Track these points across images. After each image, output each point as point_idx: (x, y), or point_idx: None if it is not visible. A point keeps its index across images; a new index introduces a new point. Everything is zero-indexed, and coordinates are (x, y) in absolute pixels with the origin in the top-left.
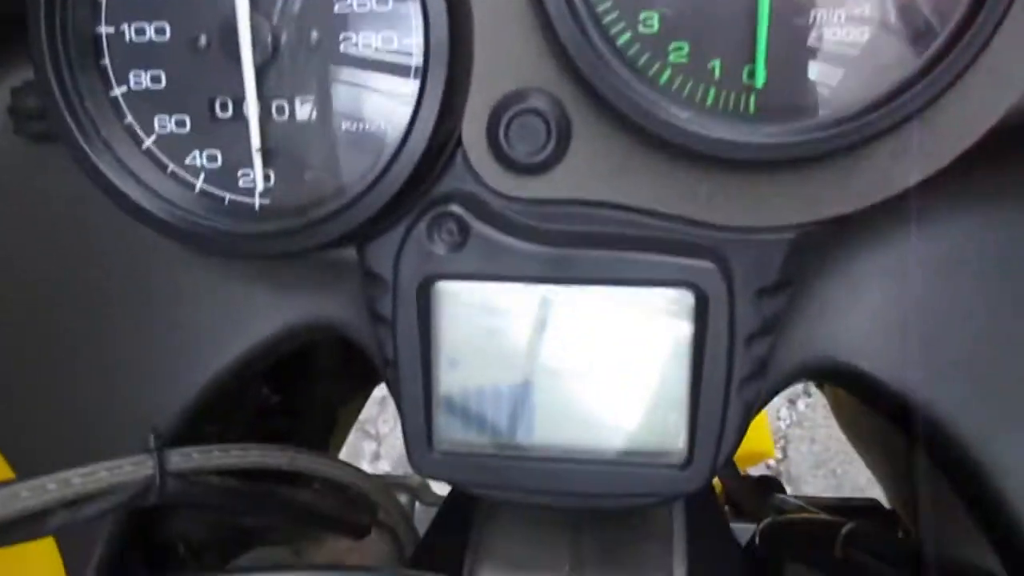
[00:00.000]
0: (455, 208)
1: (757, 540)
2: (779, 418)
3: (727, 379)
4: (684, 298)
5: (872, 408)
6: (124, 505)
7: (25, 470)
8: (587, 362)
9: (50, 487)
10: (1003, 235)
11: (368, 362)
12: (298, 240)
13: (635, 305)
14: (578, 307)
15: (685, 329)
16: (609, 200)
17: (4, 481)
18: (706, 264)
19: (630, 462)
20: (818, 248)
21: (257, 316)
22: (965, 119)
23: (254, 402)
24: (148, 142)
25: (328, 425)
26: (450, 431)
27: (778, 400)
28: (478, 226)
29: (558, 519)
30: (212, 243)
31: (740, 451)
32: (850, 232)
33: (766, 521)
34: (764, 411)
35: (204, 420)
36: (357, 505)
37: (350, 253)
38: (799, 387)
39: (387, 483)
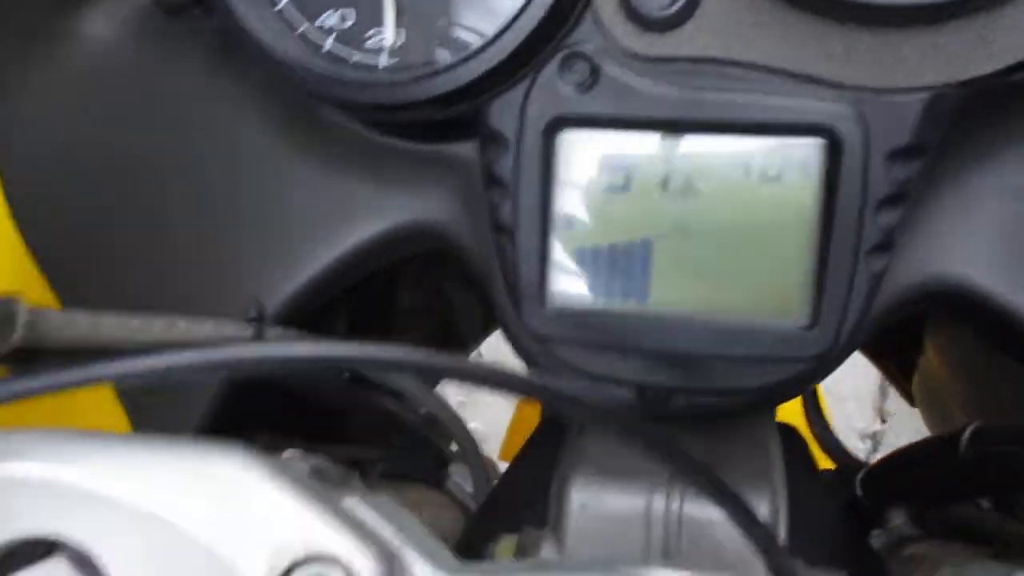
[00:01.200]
0: (586, 48)
1: (859, 491)
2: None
3: (857, 241)
4: (817, 151)
5: (989, 344)
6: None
7: None
8: (710, 220)
9: (156, 327)
10: None
11: (454, 325)
12: (419, 88)
13: (765, 156)
14: (704, 162)
15: (815, 183)
16: (740, 59)
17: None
18: (844, 108)
19: (753, 322)
20: (955, 117)
21: (360, 215)
22: None
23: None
24: (281, 3)
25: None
26: (566, 288)
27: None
28: (609, 66)
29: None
30: (334, 91)
31: None
32: (961, 148)
33: (864, 469)
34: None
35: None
36: (434, 428)
37: (458, 149)
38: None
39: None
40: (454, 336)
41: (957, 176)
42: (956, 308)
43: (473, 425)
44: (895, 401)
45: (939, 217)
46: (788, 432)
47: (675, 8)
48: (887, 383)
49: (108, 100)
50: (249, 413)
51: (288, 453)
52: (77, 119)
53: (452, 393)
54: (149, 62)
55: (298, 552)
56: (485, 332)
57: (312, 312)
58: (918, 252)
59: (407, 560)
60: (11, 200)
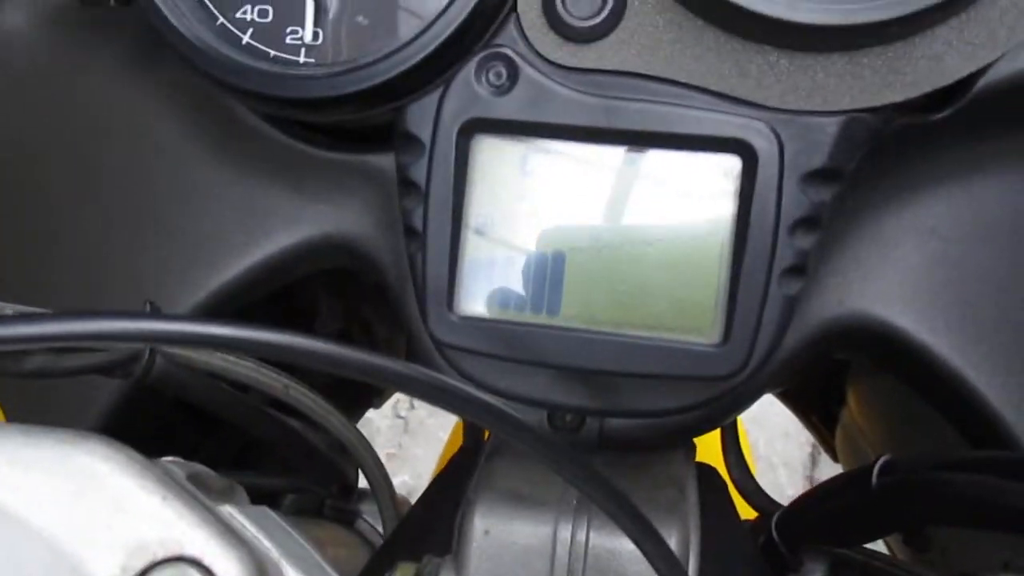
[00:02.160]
0: (506, 50)
1: (774, 534)
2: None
3: (770, 261)
4: (732, 166)
5: (906, 385)
6: (104, 370)
7: None
8: (624, 233)
9: (43, 321)
10: None
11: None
12: (340, 82)
13: (680, 172)
14: (619, 173)
15: (730, 202)
16: (660, 74)
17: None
18: (759, 124)
19: (666, 339)
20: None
21: (274, 224)
22: (1018, 10)
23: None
24: None
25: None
26: (473, 297)
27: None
28: (528, 70)
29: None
30: (252, 81)
31: None
32: (879, 188)
33: (780, 510)
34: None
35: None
36: (346, 458)
37: (375, 159)
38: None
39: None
40: None
41: (876, 213)
42: (873, 348)
43: (401, 479)
44: (827, 467)
45: (857, 253)
46: (707, 472)
47: (598, 20)
48: (818, 451)
49: (19, 92)
50: (152, 437)
51: (167, 459)
52: None
53: (380, 445)
54: (63, 55)
55: (156, 552)
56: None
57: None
58: (835, 287)
59: (280, 571)
60: None
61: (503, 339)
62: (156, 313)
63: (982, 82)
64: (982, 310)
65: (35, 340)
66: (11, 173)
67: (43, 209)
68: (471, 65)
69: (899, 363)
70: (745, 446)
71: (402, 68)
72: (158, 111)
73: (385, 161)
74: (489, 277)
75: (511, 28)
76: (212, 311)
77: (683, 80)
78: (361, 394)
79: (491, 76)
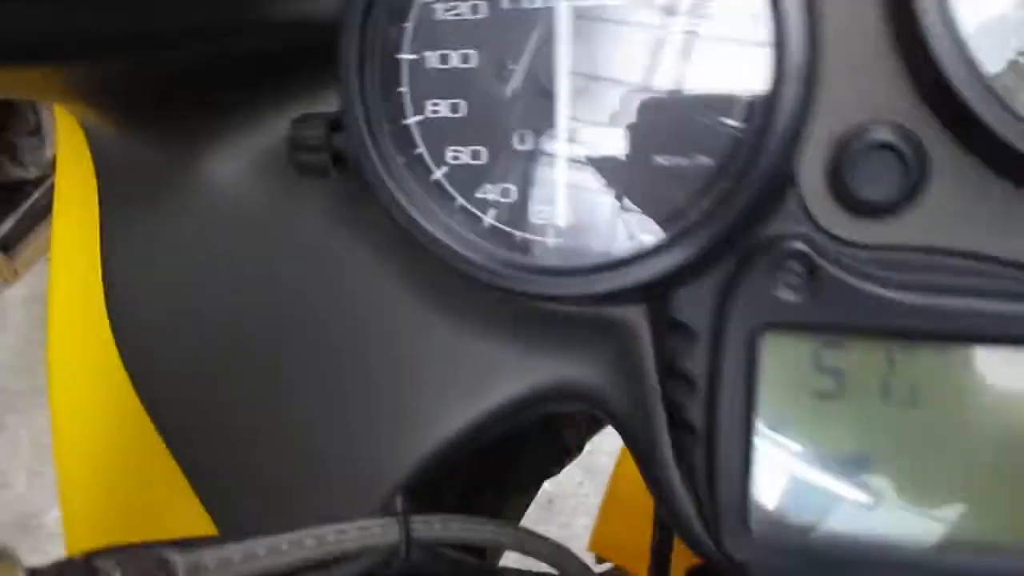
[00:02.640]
0: (800, 246)
1: None
2: None
3: None
4: None
5: None
6: (367, 571)
7: (233, 531)
8: (941, 436)
9: (308, 543)
10: None
11: (552, 449)
12: (601, 280)
13: (1007, 368)
14: (933, 370)
15: None
16: (975, 250)
17: (262, 534)
18: None
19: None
20: None
21: (501, 376)
22: None
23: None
24: (438, 173)
25: (497, 514)
26: (771, 510)
27: None
28: (828, 268)
29: None
30: (505, 279)
31: None
32: None
33: None
34: None
35: (423, 490)
36: None
37: (616, 311)
38: None
39: None
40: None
41: None
42: None
43: None
44: None
45: None
46: None
47: (896, 195)
48: None
49: (232, 252)
50: None
51: None
52: (200, 267)
53: None
54: (275, 209)
55: None
56: None
57: (453, 464)
58: None
59: None
60: (131, 367)
61: (811, 560)
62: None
63: None
64: None
65: None
66: (234, 339)
67: (267, 374)
68: (761, 265)
69: None
70: None
71: (670, 266)
72: (373, 268)
73: (620, 313)
74: (788, 488)
75: (791, 205)
76: (437, 465)
77: (1006, 257)
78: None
79: (787, 276)
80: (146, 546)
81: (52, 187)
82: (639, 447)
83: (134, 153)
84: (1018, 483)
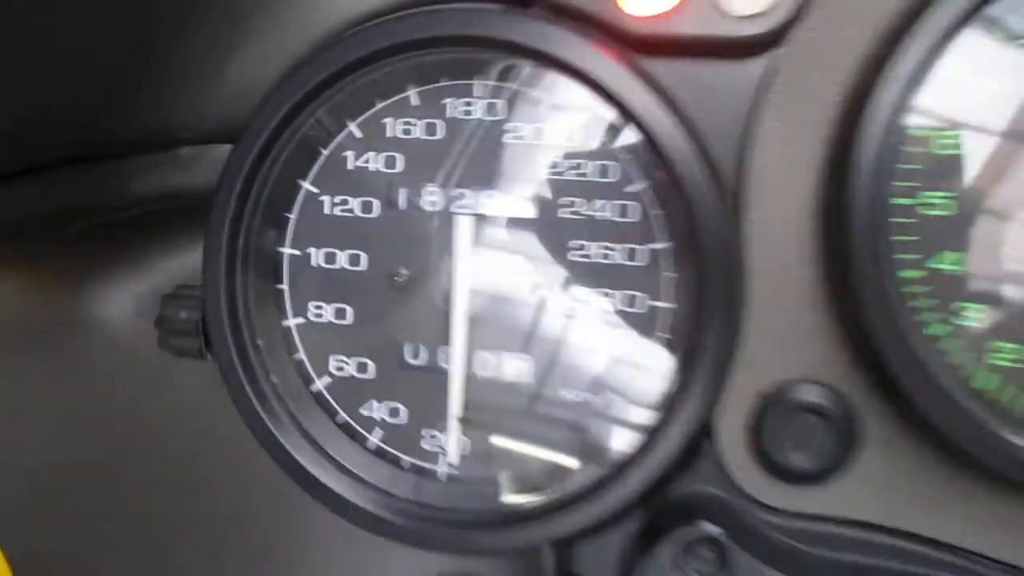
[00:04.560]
0: (713, 531)
1: None
2: None
3: None
4: None
5: None
6: None
7: None
8: None
9: None
10: None
11: None
12: (492, 538)
13: None
14: None
15: None
16: (903, 527)
17: None
18: None
19: None
20: None
21: (404, 564)
22: None
23: None
24: (318, 384)
25: None
26: None
27: None
28: (741, 557)
29: None
30: (383, 525)
31: None
32: None
33: None
34: None
35: None
36: None
37: None
38: None
39: None
40: None
41: None
42: None
43: None
44: None
45: None
46: None
47: (823, 461)
48: None
49: (107, 392)
50: None
51: None
52: (78, 423)
53: None
54: (154, 352)
55: None
56: None
57: None
58: None
59: None
60: None
61: None
62: None
63: None
64: None
65: None
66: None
67: (135, 536)
68: (670, 548)
69: None
70: None
71: (573, 527)
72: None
73: None
74: None
75: (708, 464)
76: None
77: (935, 537)
78: None
79: (696, 563)
80: None
81: None
82: None
83: (18, 299)
84: None
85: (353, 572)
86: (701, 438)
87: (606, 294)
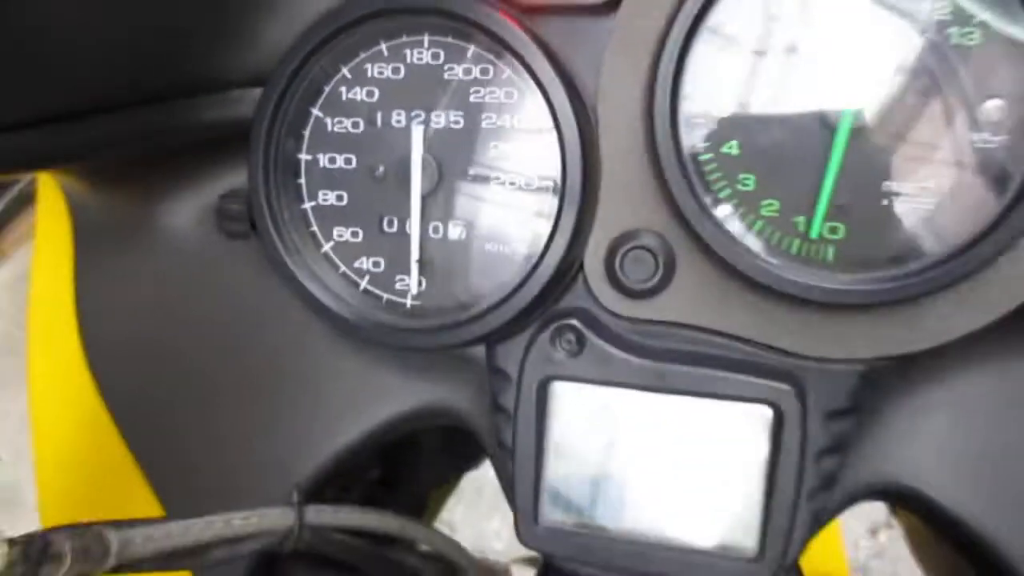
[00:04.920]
0: (574, 322)
1: None
2: (858, 547)
3: (797, 488)
4: (764, 413)
5: (936, 532)
6: (270, 546)
7: (176, 511)
8: (676, 463)
9: (217, 525)
10: None
11: (461, 450)
12: (440, 337)
13: (722, 416)
14: (672, 414)
15: (763, 441)
16: (705, 325)
17: (179, 518)
18: (784, 386)
19: (707, 552)
20: (888, 378)
21: (390, 397)
22: (1015, 280)
23: (364, 476)
24: (326, 247)
25: (420, 504)
26: (553, 510)
27: (859, 529)
28: (593, 338)
29: None
30: (368, 333)
31: (812, 572)
32: (917, 367)
33: None
34: (840, 536)
35: (327, 484)
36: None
37: (476, 351)
38: (881, 518)
39: (482, 564)
40: (461, 464)
41: (912, 389)
42: (908, 508)
43: None
44: None
45: (893, 425)
46: None
47: (651, 284)
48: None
49: (177, 287)
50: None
51: None
52: (155, 303)
53: None
54: (212, 256)
55: None
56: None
57: (352, 465)
58: (871, 456)
59: None
60: (97, 378)
61: (579, 546)
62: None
63: None
64: (1010, 480)
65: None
66: (178, 356)
67: (202, 387)
68: (547, 332)
69: (931, 522)
70: None
71: (491, 327)
72: (289, 309)
73: (477, 351)
74: (566, 493)
75: (579, 288)
76: (344, 462)
77: (726, 331)
78: (463, 457)
79: (563, 343)
80: (89, 525)
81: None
82: (489, 448)
83: (103, 207)
84: (722, 500)
85: (354, 402)
86: (578, 271)
87: (513, 177)
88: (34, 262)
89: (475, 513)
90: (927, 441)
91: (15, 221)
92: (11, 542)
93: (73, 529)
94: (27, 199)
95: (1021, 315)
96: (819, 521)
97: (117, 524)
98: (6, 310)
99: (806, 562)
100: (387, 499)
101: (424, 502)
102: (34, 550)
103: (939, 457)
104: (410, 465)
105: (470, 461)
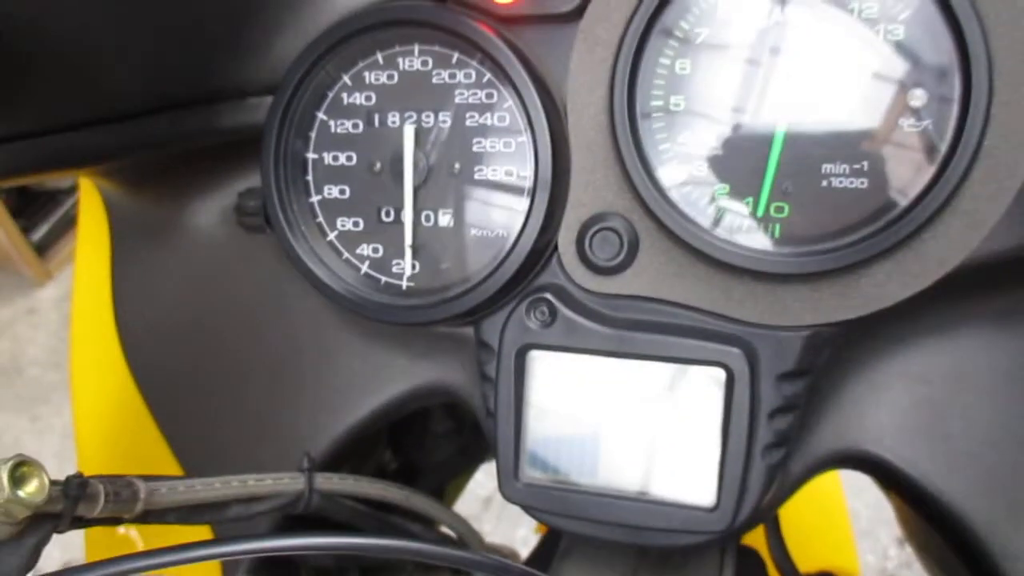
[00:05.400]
0: (547, 295)
1: None
2: (887, 557)
3: (748, 445)
4: (718, 375)
5: (902, 499)
6: (280, 508)
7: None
8: (643, 422)
9: (234, 484)
10: (1012, 351)
11: (476, 443)
12: (431, 313)
13: (682, 378)
14: (636, 377)
15: (718, 400)
16: (666, 298)
17: (202, 477)
18: (734, 350)
19: (671, 503)
20: (839, 345)
21: (394, 377)
22: (942, 251)
23: (377, 462)
24: (331, 236)
25: (439, 494)
26: (533, 468)
27: (887, 539)
28: (563, 310)
29: (621, 561)
30: (369, 311)
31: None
32: (874, 340)
33: None
34: (851, 529)
35: (342, 461)
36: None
37: (468, 330)
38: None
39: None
40: (473, 454)
41: (870, 361)
42: (869, 474)
43: None
44: None
45: (853, 395)
46: (747, 554)
47: (617, 261)
48: None
49: (206, 279)
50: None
51: None
52: (182, 291)
53: None
54: (236, 250)
55: None
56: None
57: (361, 441)
58: (833, 424)
59: None
60: (131, 363)
61: (556, 500)
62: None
63: None
64: (965, 446)
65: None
66: (203, 339)
67: (225, 367)
68: (523, 305)
69: (895, 489)
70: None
71: (475, 303)
72: (305, 296)
73: (463, 332)
74: (545, 452)
75: (554, 266)
76: (351, 439)
77: (683, 302)
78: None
79: (537, 314)
80: (121, 476)
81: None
82: (485, 430)
83: (137, 206)
84: (682, 453)
85: (364, 381)
86: (553, 251)
87: (494, 169)
88: (77, 258)
89: (505, 524)
90: (888, 411)
91: (61, 242)
92: (53, 482)
93: (107, 477)
94: (71, 222)
95: (966, 289)
96: (774, 474)
97: (146, 477)
98: (52, 326)
99: (813, 555)
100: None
101: (441, 492)
102: (72, 489)
103: (899, 426)
104: (424, 458)
105: (483, 452)
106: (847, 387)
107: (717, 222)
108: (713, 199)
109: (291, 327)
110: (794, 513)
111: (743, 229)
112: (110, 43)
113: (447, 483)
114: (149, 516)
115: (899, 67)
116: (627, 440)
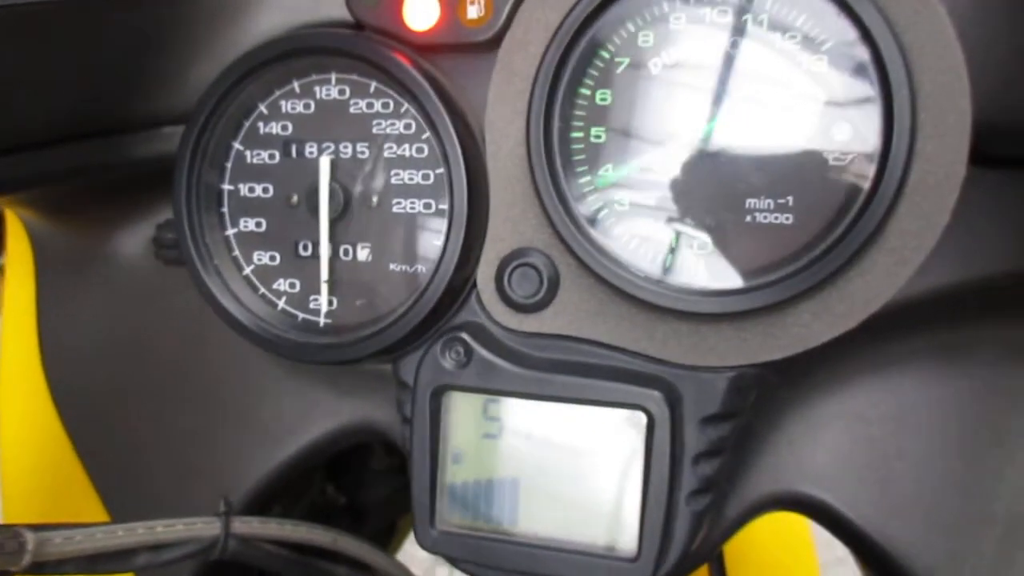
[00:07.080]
0: (463, 335)
1: None
2: None
3: (670, 491)
4: (639, 419)
5: (842, 542)
6: (193, 555)
7: (119, 517)
8: (564, 467)
9: (140, 531)
10: (954, 388)
11: None
12: (347, 352)
13: (603, 421)
14: (557, 421)
15: (639, 445)
16: (587, 337)
17: (104, 522)
18: (655, 393)
19: (592, 552)
20: (772, 385)
21: (320, 415)
22: (869, 289)
23: (320, 497)
24: (247, 270)
25: (388, 529)
26: (449, 514)
27: None
28: (479, 350)
29: None
30: (283, 350)
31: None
32: (811, 375)
33: None
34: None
35: (271, 500)
36: None
37: (387, 368)
38: None
39: None
40: None
41: (808, 399)
42: (807, 515)
43: None
44: None
45: (791, 435)
46: None
47: (537, 298)
48: None
49: (128, 311)
50: None
51: None
52: (106, 324)
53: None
54: (158, 282)
55: None
56: None
57: (289, 480)
58: (770, 466)
59: None
60: (54, 391)
61: (474, 549)
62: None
63: None
64: (906, 488)
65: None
66: (128, 371)
67: (146, 400)
68: (439, 344)
69: (835, 532)
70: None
71: (391, 340)
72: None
73: (384, 369)
74: (462, 496)
75: (472, 303)
76: (279, 478)
77: (605, 341)
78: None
79: (452, 354)
80: (7, 525)
81: None
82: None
83: (60, 237)
84: (603, 502)
85: (289, 420)
86: (471, 288)
87: (412, 202)
88: (5, 287)
89: None
90: (826, 452)
91: None
92: None
93: None
94: None
95: (907, 324)
96: (700, 523)
97: (36, 527)
98: None
99: (767, 558)
100: (353, 526)
101: (393, 529)
102: None
103: (838, 467)
104: (368, 492)
105: None
106: (784, 427)
107: (638, 258)
108: (634, 235)
109: (215, 362)
110: (754, 550)
111: (666, 265)
112: (9, 73)
113: (399, 519)
114: (45, 567)
115: (822, 100)
116: (548, 486)
